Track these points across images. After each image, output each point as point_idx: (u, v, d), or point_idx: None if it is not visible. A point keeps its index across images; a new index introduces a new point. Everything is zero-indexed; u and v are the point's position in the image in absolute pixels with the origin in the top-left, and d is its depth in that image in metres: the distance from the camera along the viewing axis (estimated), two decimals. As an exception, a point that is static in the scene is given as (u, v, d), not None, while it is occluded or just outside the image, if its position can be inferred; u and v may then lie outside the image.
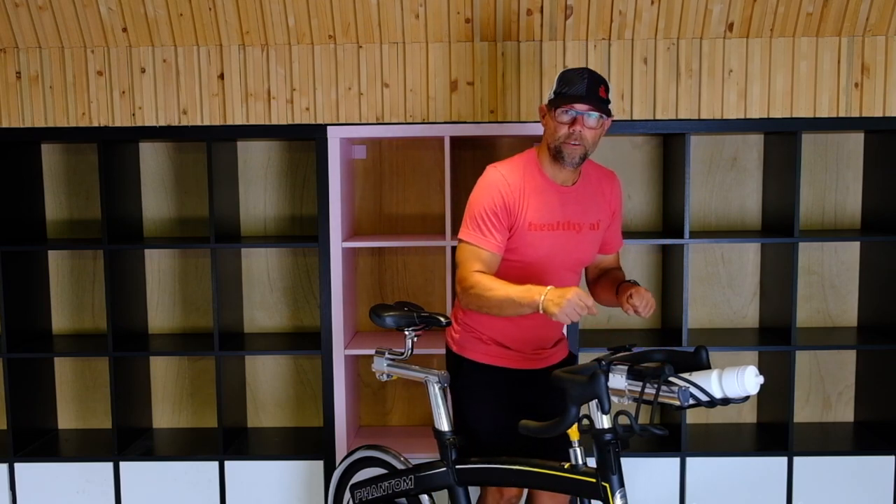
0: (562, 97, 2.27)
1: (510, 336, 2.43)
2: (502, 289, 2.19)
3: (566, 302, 2.03)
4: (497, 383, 2.45)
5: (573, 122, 2.25)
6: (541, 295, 2.09)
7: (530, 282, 2.22)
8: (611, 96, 2.30)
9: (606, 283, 2.50)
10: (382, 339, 3.32)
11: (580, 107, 2.24)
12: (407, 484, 2.42)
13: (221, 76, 3.26)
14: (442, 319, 2.43)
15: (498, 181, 2.33)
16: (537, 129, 3.08)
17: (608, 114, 2.28)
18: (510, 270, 2.33)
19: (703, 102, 3.24)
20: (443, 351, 3.21)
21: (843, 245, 3.52)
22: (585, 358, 3.11)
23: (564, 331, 2.61)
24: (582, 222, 2.38)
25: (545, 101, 2.35)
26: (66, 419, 3.64)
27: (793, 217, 3.15)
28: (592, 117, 2.25)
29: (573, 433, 1.96)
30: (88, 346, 3.43)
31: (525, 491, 2.60)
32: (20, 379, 3.35)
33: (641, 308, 2.26)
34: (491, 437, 2.48)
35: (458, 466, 2.32)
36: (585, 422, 1.92)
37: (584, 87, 2.24)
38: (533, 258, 2.34)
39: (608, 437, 1.91)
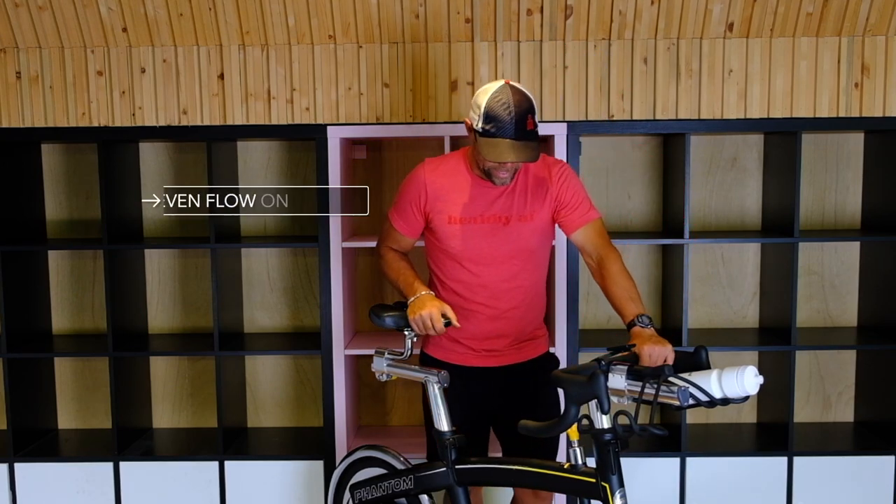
0: (490, 136, 2.20)
1: (461, 327, 2.38)
2: (396, 273, 2.45)
3: (418, 316, 2.26)
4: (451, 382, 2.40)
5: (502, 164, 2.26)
6: (411, 297, 2.33)
7: (468, 267, 2.40)
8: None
9: (612, 295, 2.31)
10: (382, 339, 3.32)
11: (509, 163, 2.24)
12: (407, 484, 2.42)
13: (221, 76, 3.26)
14: (441, 320, 2.42)
15: (424, 178, 2.42)
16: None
17: (537, 141, 2.24)
18: (445, 258, 2.45)
19: (703, 102, 3.24)
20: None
21: (843, 245, 3.52)
22: (585, 358, 3.11)
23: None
24: (510, 215, 2.38)
25: (472, 119, 2.24)
26: (66, 419, 3.64)
27: (793, 217, 3.15)
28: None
29: (573, 433, 1.96)
30: (88, 346, 3.43)
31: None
32: (20, 379, 3.35)
33: (651, 363, 2.05)
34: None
35: (457, 466, 2.32)
36: (585, 422, 1.92)
37: (512, 129, 2.17)
38: (457, 249, 2.41)
39: (608, 437, 1.91)
